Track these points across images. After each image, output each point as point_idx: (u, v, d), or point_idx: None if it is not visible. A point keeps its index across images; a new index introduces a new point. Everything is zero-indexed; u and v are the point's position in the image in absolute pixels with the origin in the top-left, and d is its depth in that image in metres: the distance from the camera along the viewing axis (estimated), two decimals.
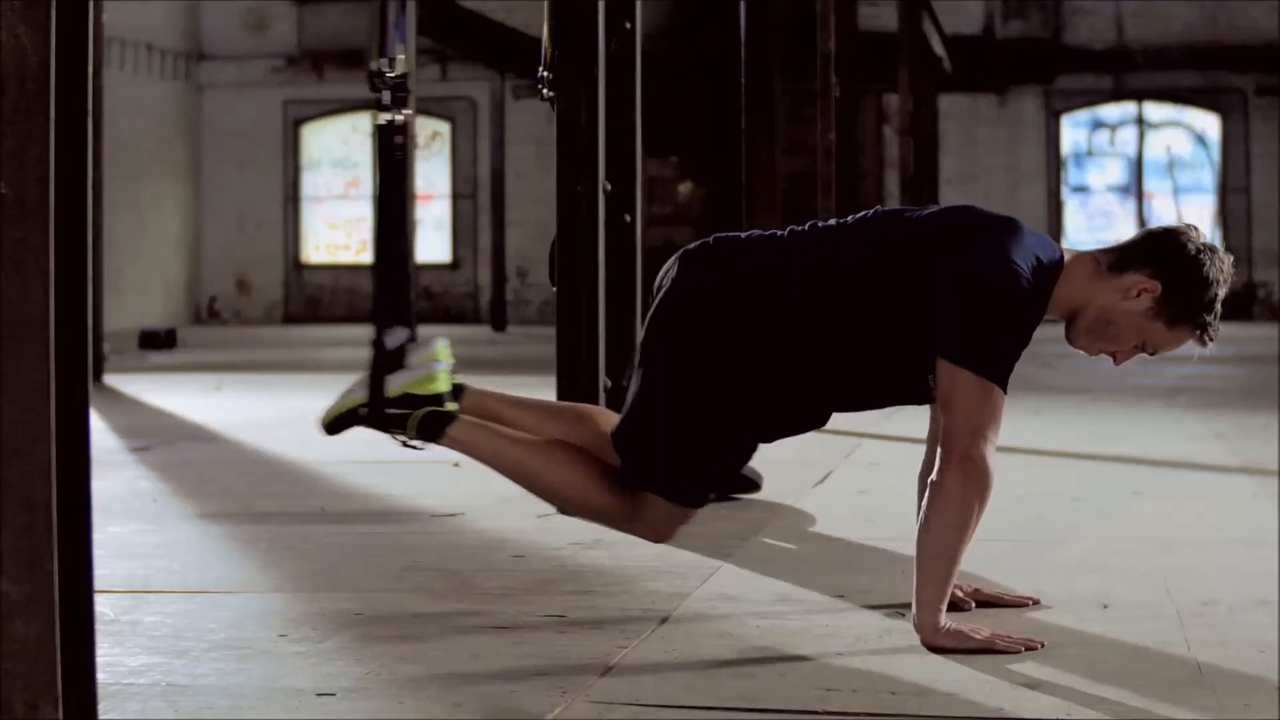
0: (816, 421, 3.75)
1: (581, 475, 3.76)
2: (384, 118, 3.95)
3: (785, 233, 3.68)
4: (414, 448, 3.82)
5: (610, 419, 3.90)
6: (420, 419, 3.75)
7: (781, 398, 3.63)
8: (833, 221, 3.69)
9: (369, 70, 3.97)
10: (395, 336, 3.79)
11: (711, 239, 3.72)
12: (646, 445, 3.69)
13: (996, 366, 3.42)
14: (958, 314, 3.43)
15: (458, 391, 3.90)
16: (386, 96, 3.94)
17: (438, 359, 3.81)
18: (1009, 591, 3.87)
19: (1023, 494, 5.66)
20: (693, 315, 3.62)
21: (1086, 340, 3.64)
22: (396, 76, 3.94)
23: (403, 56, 3.99)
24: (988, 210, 3.62)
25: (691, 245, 3.75)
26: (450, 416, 3.77)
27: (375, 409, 3.76)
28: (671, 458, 3.67)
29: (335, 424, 3.83)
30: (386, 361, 3.77)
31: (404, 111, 3.96)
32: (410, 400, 3.75)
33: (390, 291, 3.87)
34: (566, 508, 3.95)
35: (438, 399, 3.76)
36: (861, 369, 3.60)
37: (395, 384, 3.78)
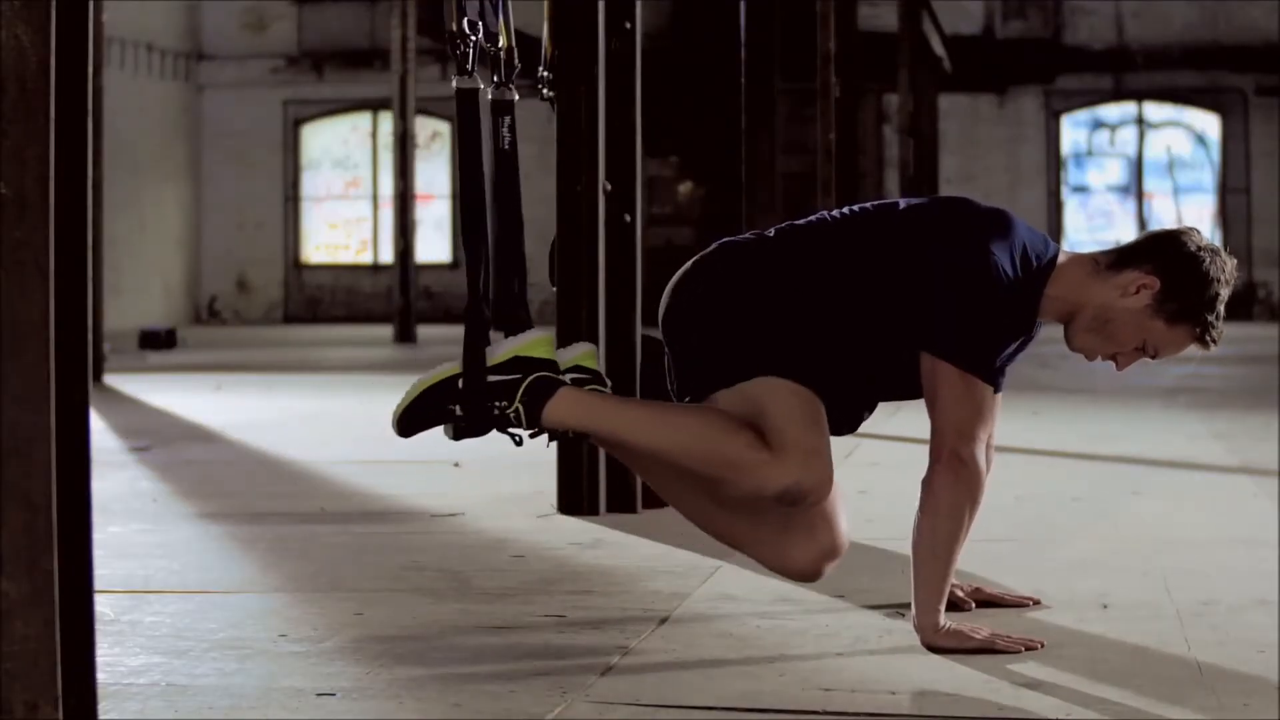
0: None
1: (720, 422, 3.33)
2: None
3: (782, 229, 3.59)
4: (513, 435, 3.33)
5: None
6: (530, 383, 3.31)
7: None
8: (825, 215, 3.59)
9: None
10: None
11: (715, 246, 3.60)
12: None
13: (978, 360, 3.37)
14: (939, 307, 3.38)
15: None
16: None
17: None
18: (1009, 591, 3.86)
19: (1023, 494, 5.66)
20: (695, 312, 3.53)
21: (1085, 341, 3.59)
22: None
23: None
24: (980, 203, 3.57)
25: (696, 258, 3.59)
26: (562, 382, 3.37)
27: (474, 376, 3.28)
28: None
29: (418, 404, 3.34)
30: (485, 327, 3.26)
31: None
32: (520, 364, 3.33)
33: None
34: (704, 466, 3.34)
35: (552, 364, 3.35)
36: (851, 367, 3.53)
37: (497, 352, 3.35)
